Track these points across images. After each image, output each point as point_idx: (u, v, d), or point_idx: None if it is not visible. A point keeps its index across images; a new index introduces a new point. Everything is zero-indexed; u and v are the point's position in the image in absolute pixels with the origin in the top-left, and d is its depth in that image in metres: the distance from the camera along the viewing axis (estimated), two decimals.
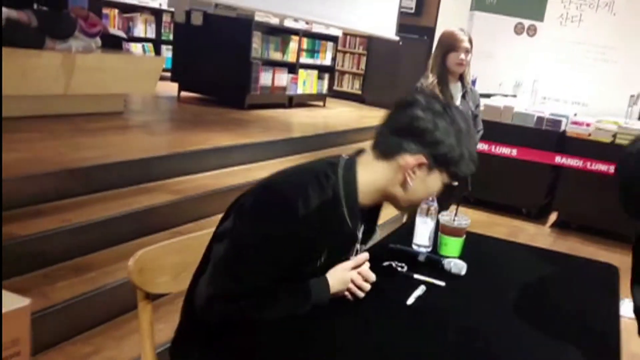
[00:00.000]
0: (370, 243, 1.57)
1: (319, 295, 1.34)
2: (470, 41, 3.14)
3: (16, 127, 3.62)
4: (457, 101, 3.18)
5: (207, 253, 1.39)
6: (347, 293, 1.40)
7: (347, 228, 1.34)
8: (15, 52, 3.63)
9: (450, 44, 3.11)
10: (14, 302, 1.63)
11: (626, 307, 4.00)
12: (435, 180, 1.36)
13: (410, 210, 1.46)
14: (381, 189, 1.36)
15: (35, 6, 3.81)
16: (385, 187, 1.36)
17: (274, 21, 6.34)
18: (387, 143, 1.35)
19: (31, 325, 1.32)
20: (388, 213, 1.55)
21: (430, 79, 3.13)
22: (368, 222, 1.47)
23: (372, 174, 1.36)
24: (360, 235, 1.45)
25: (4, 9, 3.56)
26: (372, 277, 1.42)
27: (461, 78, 3.22)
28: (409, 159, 1.31)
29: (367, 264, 1.43)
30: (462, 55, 3.10)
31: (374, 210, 1.47)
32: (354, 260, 1.42)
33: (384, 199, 1.41)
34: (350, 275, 1.39)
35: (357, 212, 1.34)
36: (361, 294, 1.40)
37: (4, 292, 1.71)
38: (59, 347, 2.26)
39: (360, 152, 1.41)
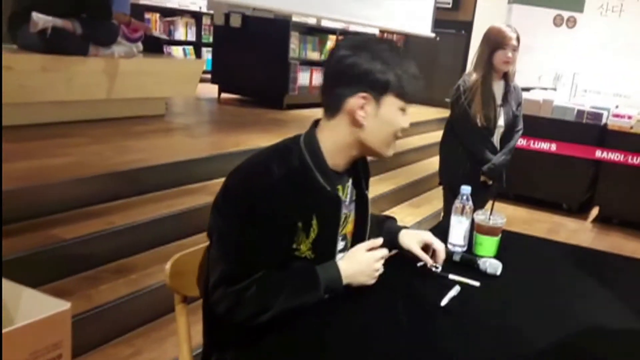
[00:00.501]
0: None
1: (328, 277, 1.35)
2: (518, 38, 3.07)
3: (63, 132, 3.73)
4: (499, 100, 3.14)
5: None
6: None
7: (326, 192, 1.36)
8: (61, 59, 3.75)
9: (498, 41, 3.04)
10: (55, 305, 1.69)
11: None
12: (389, 110, 1.37)
13: (388, 156, 1.47)
14: (346, 144, 1.39)
15: (81, 15, 3.92)
16: (349, 140, 1.39)
17: (312, 21, 6.37)
18: (329, 99, 1.39)
19: (73, 328, 1.36)
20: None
21: (474, 76, 3.09)
22: (357, 187, 1.50)
23: (331, 134, 1.39)
24: (348, 200, 1.47)
25: (50, 18, 3.69)
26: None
27: (505, 76, 3.16)
28: (351, 101, 1.34)
29: (384, 250, 1.45)
30: (510, 53, 3.04)
31: (358, 173, 1.50)
32: (367, 243, 1.45)
33: (359, 154, 1.44)
34: (371, 257, 1.41)
35: (331, 174, 1.38)
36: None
37: (45, 296, 1.77)
38: (100, 349, 2.29)
39: (316, 122, 1.44)
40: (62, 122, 3.89)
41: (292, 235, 1.33)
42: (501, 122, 3.17)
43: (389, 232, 1.65)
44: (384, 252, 1.45)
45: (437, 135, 6.46)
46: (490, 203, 1.83)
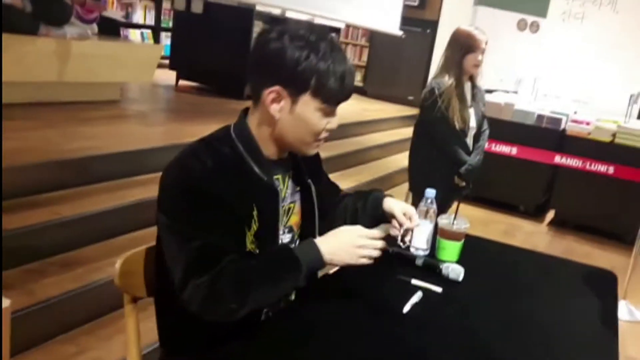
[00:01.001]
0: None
1: (307, 257, 1.27)
2: (486, 42, 3.07)
3: (9, 115, 3.55)
4: (469, 102, 3.14)
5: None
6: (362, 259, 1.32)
7: (262, 182, 1.32)
8: (9, 37, 3.56)
9: (469, 44, 3.03)
10: None
11: (622, 310, 3.98)
12: (305, 109, 1.29)
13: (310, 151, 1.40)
14: (269, 134, 1.34)
15: None
16: (270, 132, 1.34)
17: (276, 11, 6.26)
18: (250, 86, 1.34)
19: (13, 324, 1.27)
20: None
21: (448, 80, 3.06)
22: (299, 177, 1.46)
23: (257, 123, 1.34)
24: (291, 190, 1.43)
25: None
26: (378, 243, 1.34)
27: (471, 77, 3.17)
28: (266, 93, 1.28)
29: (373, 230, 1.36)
30: (480, 57, 3.04)
31: (298, 163, 1.45)
32: (355, 227, 1.36)
33: (284, 147, 1.38)
34: (353, 231, 1.33)
35: (266, 162, 1.34)
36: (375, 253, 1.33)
37: None
38: (42, 347, 2.21)
39: (246, 110, 1.39)
40: (8, 104, 3.70)
41: (237, 221, 1.28)
42: (473, 123, 3.19)
43: (374, 199, 1.59)
44: (372, 231, 1.35)
45: (400, 133, 6.54)
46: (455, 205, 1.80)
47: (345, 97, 1.34)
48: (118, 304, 2.21)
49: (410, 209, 1.55)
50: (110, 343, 2.29)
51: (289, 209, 1.44)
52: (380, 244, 1.34)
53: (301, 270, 1.26)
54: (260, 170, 1.32)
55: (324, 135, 1.36)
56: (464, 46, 3.04)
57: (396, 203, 1.57)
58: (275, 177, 1.39)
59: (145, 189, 3.14)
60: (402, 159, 5.95)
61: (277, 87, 1.27)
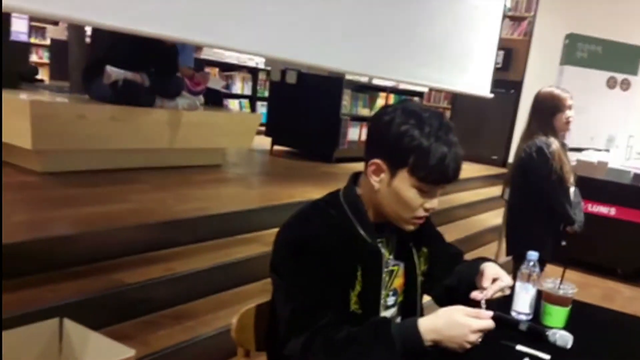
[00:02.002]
0: None
1: (403, 332, 1.23)
2: (571, 97, 3.10)
3: (128, 179, 3.88)
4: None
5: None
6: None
7: (366, 243, 1.36)
8: (130, 110, 3.94)
9: (554, 104, 3.07)
10: (120, 352, 1.73)
11: None
12: (401, 186, 1.31)
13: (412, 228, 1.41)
14: (372, 201, 1.39)
15: (150, 69, 4.13)
16: (373, 199, 1.38)
17: (364, 79, 6.52)
18: (364, 156, 1.39)
19: None
20: None
21: (554, 142, 3.04)
22: (404, 241, 1.48)
23: (364, 189, 1.40)
24: (395, 254, 1.46)
25: (122, 71, 3.90)
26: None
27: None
28: (369, 164, 1.35)
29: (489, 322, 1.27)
30: (569, 113, 3.06)
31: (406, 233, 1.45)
32: (473, 309, 1.28)
33: (384, 216, 1.40)
34: (470, 324, 1.23)
35: (370, 225, 1.37)
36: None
37: (111, 341, 1.82)
38: None
39: (355, 175, 1.46)
40: (127, 168, 4.05)
41: (342, 282, 1.33)
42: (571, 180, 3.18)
43: (474, 264, 1.54)
44: (488, 323, 1.26)
45: (483, 192, 6.48)
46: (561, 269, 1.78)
47: (445, 180, 1.31)
48: (225, 355, 2.35)
49: (504, 275, 1.46)
50: None
51: (393, 271, 1.47)
52: (490, 325, 1.26)
53: (393, 345, 1.22)
54: (365, 232, 1.36)
55: (421, 214, 1.35)
56: (550, 106, 3.07)
57: (492, 267, 1.48)
58: (379, 240, 1.42)
59: (247, 247, 3.29)
60: (487, 219, 5.91)
61: (378, 160, 1.33)
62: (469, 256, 1.70)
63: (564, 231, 3.16)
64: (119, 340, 1.86)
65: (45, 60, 9.88)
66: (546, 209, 3.12)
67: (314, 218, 1.36)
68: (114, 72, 3.85)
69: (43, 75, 7.51)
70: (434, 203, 1.36)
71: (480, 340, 1.26)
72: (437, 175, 1.29)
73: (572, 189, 3.20)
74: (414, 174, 1.29)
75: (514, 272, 3.28)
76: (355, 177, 1.46)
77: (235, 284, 3.04)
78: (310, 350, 1.23)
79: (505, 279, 1.45)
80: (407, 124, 1.28)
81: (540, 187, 3.09)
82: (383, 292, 1.44)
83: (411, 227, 1.40)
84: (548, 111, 3.08)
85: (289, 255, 1.33)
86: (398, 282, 1.50)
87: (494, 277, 1.44)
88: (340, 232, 1.34)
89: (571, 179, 3.17)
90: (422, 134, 1.27)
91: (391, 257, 1.47)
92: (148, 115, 4.08)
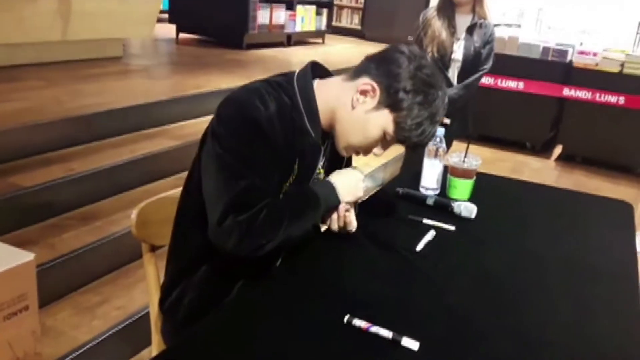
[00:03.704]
0: (375, 187, 1.56)
1: (326, 195, 1.33)
2: None
3: (14, 77, 3.57)
4: (460, 34, 3.07)
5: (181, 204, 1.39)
6: (333, 219, 1.37)
7: (310, 138, 1.33)
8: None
9: None
10: (18, 257, 1.62)
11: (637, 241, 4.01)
12: (376, 120, 1.29)
13: (347, 155, 1.43)
14: (332, 107, 1.34)
15: None
16: (335, 106, 1.33)
17: None
18: (360, 65, 1.35)
19: (38, 278, 1.32)
20: (391, 152, 1.52)
21: (432, 10, 3.04)
22: (331, 159, 1.46)
23: (327, 89, 1.35)
24: (322, 159, 1.42)
25: None
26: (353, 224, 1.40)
27: (474, 10, 3.07)
28: (363, 81, 1.29)
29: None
30: None
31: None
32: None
33: (330, 127, 1.37)
34: (360, 176, 1.41)
35: (318, 122, 1.34)
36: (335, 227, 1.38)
37: (8, 247, 1.70)
38: (67, 298, 2.26)
39: (313, 64, 1.39)
40: (13, 65, 3.73)
41: (281, 168, 1.30)
42: (458, 56, 3.09)
43: None
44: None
45: None
46: (465, 143, 1.79)
47: (410, 145, 1.34)
48: (137, 254, 2.29)
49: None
50: (131, 291, 2.34)
51: (318, 176, 1.45)
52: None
53: (320, 208, 1.31)
54: (312, 127, 1.32)
55: (367, 152, 1.37)
56: None
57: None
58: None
59: (153, 142, 3.16)
60: None
61: (376, 85, 1.28)
62: None
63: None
64: (21, 246, 1.73)
65: None
66: None
67: (269, 100, 1.27)
68: None
69: None
70: (382, 152, 1.38)
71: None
72: (408, 143, 1.33)
73: (454, 65, 3.14)
74: (395, 125, 1.29)
75: None
76: (314, 67, 1.39)
77: (143, 181, 2.92)
78: (255, 226, 1.20)
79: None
80: (417, 81, 1.27)
81: None
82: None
83: (345, 154, 1.41)
84: None
85: (242, 127, 1.24)
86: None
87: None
88: (290, 121, 1.29)
89: (455, 55, 3.10)
90: (424, 99, 1.27)
91: (321, 162, 1.44)
92: (33, 4, 3.69)
